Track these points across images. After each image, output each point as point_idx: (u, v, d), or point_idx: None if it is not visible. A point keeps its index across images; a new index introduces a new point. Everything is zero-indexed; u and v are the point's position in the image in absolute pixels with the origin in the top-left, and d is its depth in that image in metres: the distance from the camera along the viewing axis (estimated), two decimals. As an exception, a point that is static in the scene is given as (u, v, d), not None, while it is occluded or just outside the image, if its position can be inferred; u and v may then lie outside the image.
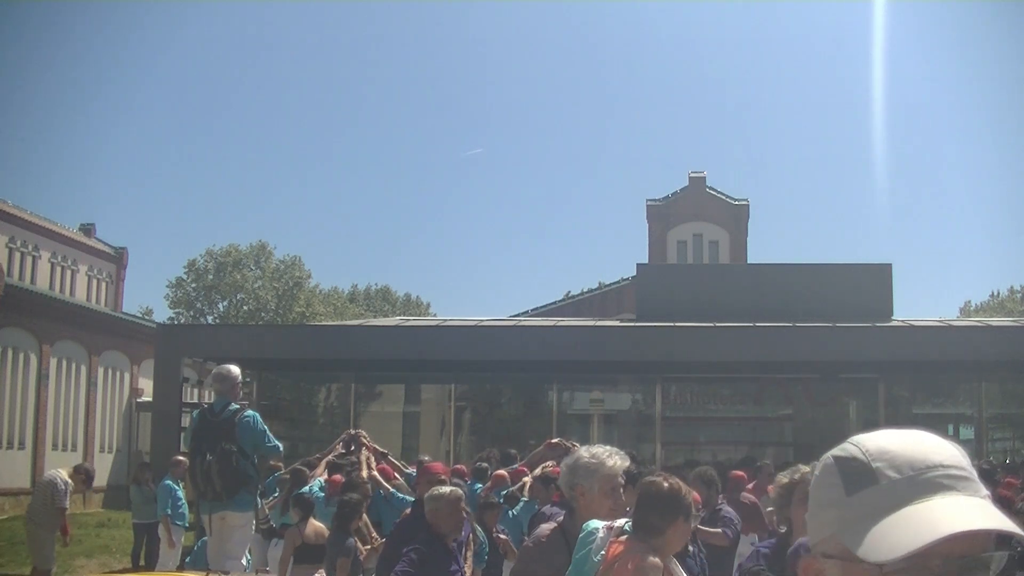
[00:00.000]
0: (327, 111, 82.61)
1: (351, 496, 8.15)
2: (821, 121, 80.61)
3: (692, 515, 3.44)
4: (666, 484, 3.43)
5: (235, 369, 7.66)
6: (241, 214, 76.50)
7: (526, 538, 8.18)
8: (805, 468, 4.10)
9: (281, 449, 7.49)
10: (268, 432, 7.46)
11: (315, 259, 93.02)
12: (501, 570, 7.89)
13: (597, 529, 3.47)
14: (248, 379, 14.24)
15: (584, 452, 4.00)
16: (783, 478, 4.16)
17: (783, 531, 4.19)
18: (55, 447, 25.44)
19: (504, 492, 9.37)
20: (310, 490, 9.69)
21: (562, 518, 4.11)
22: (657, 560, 3.25)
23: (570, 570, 3.47)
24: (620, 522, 3.47)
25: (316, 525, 8.13)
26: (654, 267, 26.39)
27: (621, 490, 3.89)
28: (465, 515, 6.03)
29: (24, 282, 27.95)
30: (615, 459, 3.92)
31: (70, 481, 11.13)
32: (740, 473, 10.08)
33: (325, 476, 9.89)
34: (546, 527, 4.12)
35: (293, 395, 19.64)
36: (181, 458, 13.00)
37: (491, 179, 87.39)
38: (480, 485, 9.89)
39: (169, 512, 12.74)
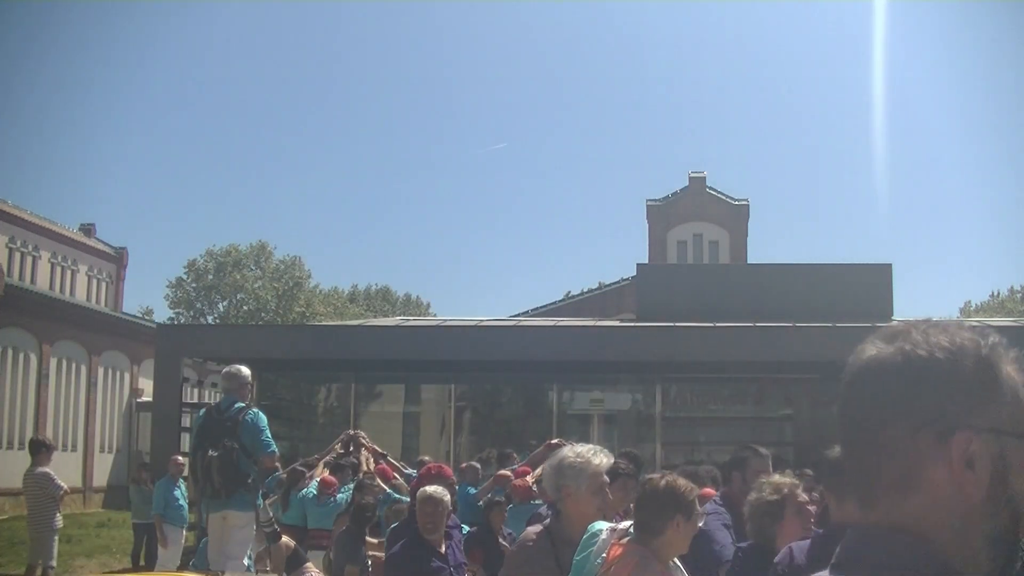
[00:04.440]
0: (327, 111, 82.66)
1: (366, 500, 8.14)
2: (821, 121, 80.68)
3: (695, 513, 3.34)
4: (663, 482, 3.36)
5: (245, 370, 7.67)
6: (241, 214, 76.57)
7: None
8: (785, 480, 4.05)
9: (276, 451, 7.45)
10: (267, 432, 7.44)
11: (315, 259, 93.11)
12: None
13: (601, 530, 3.42)
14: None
15: (569, 452, 3.94)
16: (770, 495, 4.03)
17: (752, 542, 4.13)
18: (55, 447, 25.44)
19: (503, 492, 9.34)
20: (308, 491, 9.70)
21: (548, 521, 4.03)
22: (656, 563, 3.19)
23: (571, 573, 3.42)
24: (624, 524, 3.42)
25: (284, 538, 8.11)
26: (654, 267, 26.37)
27: (607, 488, 3.87)
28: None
29: (24, 282, 27.96)
30: (600, 457, 3.89)
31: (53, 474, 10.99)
32: None
33: (324, 476, 9.90)
34: (532, 530, 4.04)
35: (293, 395, 19.61)
36: (179, 457, 13.01)
37: (491, 179, 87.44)
38: (472, 487, 9.86)
39: (163, 512, 12.69)
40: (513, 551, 4.07)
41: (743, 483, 4.97)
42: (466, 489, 9.57)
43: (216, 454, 7.10)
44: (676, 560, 3.37)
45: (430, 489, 5.71)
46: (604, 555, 3.31)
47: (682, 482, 3.40)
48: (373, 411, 18.28)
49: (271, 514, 7.74)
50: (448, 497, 5.90)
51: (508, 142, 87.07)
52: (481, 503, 8.62)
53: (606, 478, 3.87)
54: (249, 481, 7.26)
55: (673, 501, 3.30)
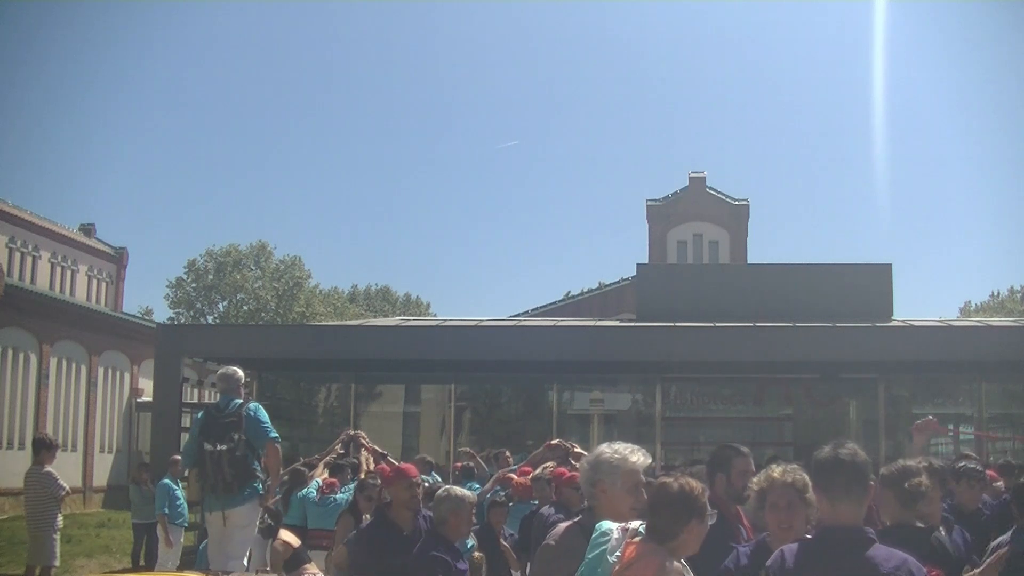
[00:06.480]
0: (327, 110, 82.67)
1: (367, 496, 8.14)
2: (821, 121, 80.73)
3: (707, 515, 3.34)
4: (676, 485, 3.33)
5: (238, 371, 7.78)
6: (241, 214, 76.67)
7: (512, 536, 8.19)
8: (776, 472, 3.97)
9: (278, 437, 7.48)
10: (268, 422, 7.47)
11: (315, 259, 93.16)
12: (509, 571, 7.88)
13: (611, 530, 3.40)
14: (248, 379, 14.26)
15: (607, 448, 3.95)
16: (759, 483, 3.99)
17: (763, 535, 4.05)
18: (55, 447, 25.44)
19: (504, 492, 9.34)
20: (308, 491, 9.70)
21: (581, 517, 4.00)
22: (679, 565, 3.19)
23: (582, 570, 3.39)
24: (635, 524, 3.39)
25: (287, 533, 8.09)
26: (654, 267, 26.38)
27: (643, 488, 3.80)
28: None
29: (24, 282, 27.95)
30: (638, 456, 3.91)
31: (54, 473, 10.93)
32: None
33: (324, 477, 9.91)
34: (564, 526, 4.04)
35: (293, 395, 19.60)
36: (179, 457, 12.98)
37: (491, 180, 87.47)
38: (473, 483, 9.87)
39: (166, 511, 12.70)
40: (547, 545, 4.01)
41: (728, 485, 4.77)
42: (471, 486, 9.60)
43: (225, 447, 7.17)
44: (683, 560, 3.35)
45: (463, 491, 5.56)
46: (619, 553, 3.28)
47: (695, 484, 3.37)
48: (373, 411, 18.28)
49: (270, 507, 7.75)
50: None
51: (506, 143, 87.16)
52: (483, 502, 8.62)
53: (642, 477, 3.85)
54: (257, 474, 7.30)
55: (688, 506, 3.29)
